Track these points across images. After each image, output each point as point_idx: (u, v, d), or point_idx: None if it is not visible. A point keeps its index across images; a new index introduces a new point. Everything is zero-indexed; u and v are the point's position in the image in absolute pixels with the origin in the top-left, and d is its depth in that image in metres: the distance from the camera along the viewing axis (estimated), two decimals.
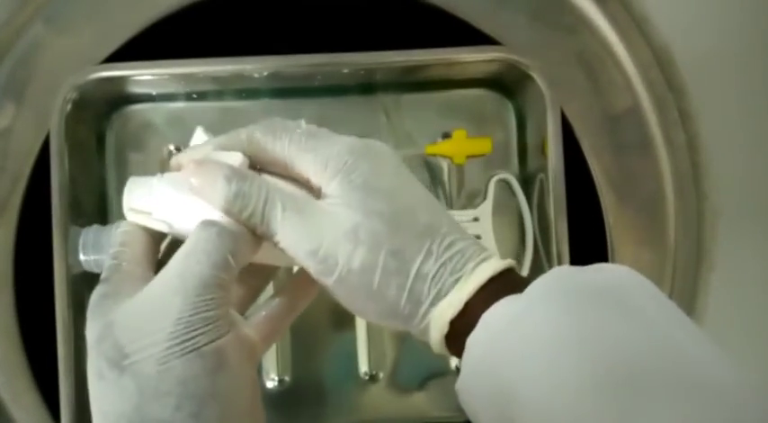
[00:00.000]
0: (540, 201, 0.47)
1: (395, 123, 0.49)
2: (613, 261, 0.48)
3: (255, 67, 0.45)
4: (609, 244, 0.49)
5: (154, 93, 0.48)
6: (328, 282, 0.30)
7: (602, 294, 0.27)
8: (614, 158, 0.49)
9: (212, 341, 0.27)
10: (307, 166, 0.31)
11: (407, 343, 0.48)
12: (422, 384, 0.47)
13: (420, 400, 0.47)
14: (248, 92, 0.48)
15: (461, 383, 0.30)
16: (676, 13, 0.50)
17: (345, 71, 0.46)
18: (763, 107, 0.51)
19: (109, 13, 0.49)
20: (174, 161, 0.35)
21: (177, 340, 0.27)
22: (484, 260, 0.30)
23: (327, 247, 0.29)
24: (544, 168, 0.45)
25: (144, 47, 0.48)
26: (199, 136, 0.47)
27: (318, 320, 0.48)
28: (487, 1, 0.50)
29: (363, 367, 0.47)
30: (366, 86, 0.48)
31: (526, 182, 0.49)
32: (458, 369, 0.47)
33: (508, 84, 0.48)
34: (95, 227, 0.44)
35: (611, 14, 0.50)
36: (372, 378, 0.47)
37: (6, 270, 0.47)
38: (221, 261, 0.28)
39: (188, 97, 0.48)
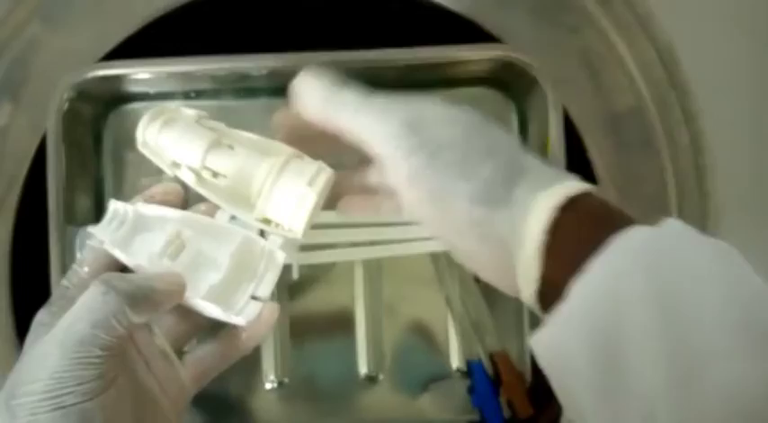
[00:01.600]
0: None
1: None
2: None
3: (254, 65, 0.45)
4: None
5: (151, 91, 0.48)
6: (414, 162, 0.30)
7: (732, 251, 0.27)
8: (617, 157, 0.49)
9: (80, 402, 0.27)
10: None
11: (407, 344, 0.48)
12: (422, 386, 0.47)
13: (420, 402, 0.47)
14: (246, 90, 0.48)
15: (562, 321, 0.27)
16: (680, 12, 0.50)
17: (346, 69, 0.46)
18: (767, 106, 0.51)
19: (106, 11, 0.49)
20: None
21: (48, 395, 0.27)
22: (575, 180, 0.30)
23: (421, 120, 0.30)
24: None
25: (141, 45, 0.48)
26: None
27: (318, 322, 0.48)
28: None
29: (363, 369, 0.47)
30: (367, 84, 0.48)
31: None
32: (462, 371, 0.47)
33: (510, 82, 0.48)
34: (92, 226, 0.44)
35: (615, 13, 0.50)
36: (372, 380, 0.47)
37: (3, 270, 0.47)
38: (103, 322, 0.28)
39: (186, 96, 0.48)
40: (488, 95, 0.49)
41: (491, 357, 0.46)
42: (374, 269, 0.47)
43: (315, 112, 0.34)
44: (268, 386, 0.47)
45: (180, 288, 0.31)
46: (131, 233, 0.32)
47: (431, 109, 0.31)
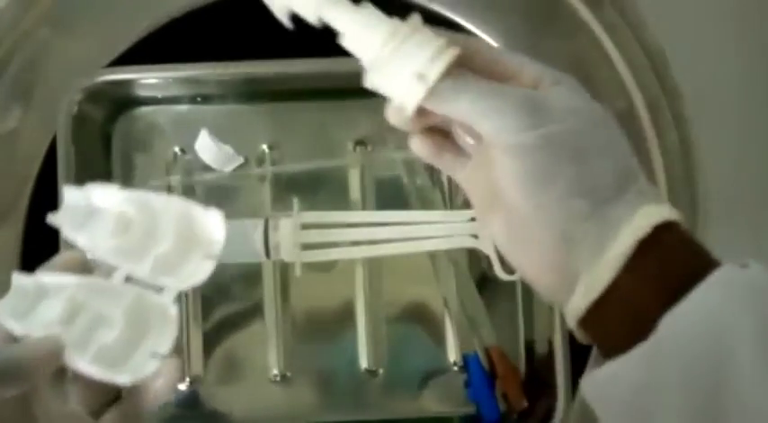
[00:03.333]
0: None
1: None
2: None
3: (260, 70, 0.46)
4: None
5: (159, 95, 0.48)
6: (525, 139, 0.28)
7: None
8: None
9: None
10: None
11: (407, 339, 0.48)
12: (422, 380, 0.48)
13: (420, 396, 0.48)
14: (253, 95, 0.49)
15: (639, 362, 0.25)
16: (670, 18, 0.50)
17: (348, 75, 0.46)
18: (756, 109, 0.51)
19: (115, 16, 0.49)
20: None
21: None
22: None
23: (543, 100, 0.29)
24: None
25: (150, 50, 0.49)
26: (204, 138, 0.48)
27: (320, 318, 0.48)
28: (483, 4, 0.50)
29: (364, 363, 0.48)
30: (367, 90, 0.49)
31: None
32: (459, 365, 0.48)
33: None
34: None
35: (606, 19, 0.50)
36: (372, 373, 0.48)
37: (13, 271, 0.47)
38: None
39: (193, 100, 0.49)
40: None
41: (486, 351, 0.47)
42: (374, 267, 0.48)
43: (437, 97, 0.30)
44: (271, 379, 0.48)
45: (54, 351, 0.30)
46: (31, 304, 0.32)
47: (555, 96, 0.29)
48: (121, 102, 0.49)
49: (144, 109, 0.49)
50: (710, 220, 0.49)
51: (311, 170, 0.49)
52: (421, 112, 0.30)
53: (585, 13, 0.50)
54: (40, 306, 0.32)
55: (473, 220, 0.48)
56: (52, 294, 0.32)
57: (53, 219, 0.34)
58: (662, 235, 0.26)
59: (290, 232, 0.43)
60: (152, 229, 0.34)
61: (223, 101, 0.49)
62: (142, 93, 0.48)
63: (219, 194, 0.49)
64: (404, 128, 0.33)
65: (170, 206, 0.35)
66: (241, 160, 0.49)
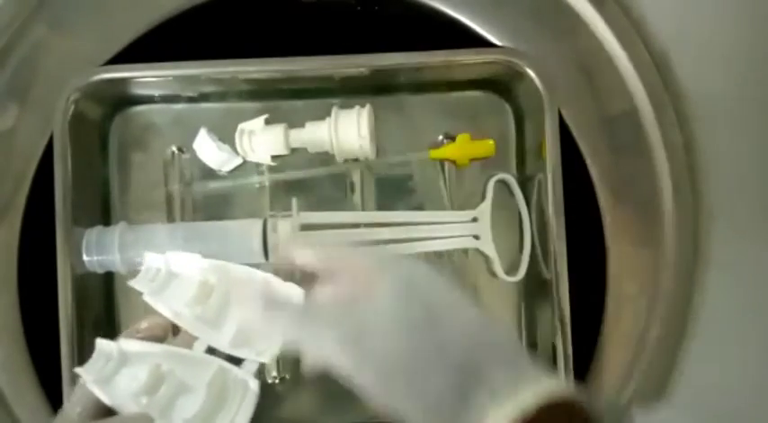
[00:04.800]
0: (539, 201, 0.47)
1: (395, 126, 0.49)
2: (609, 261, 0.49)
3: (257, 68, 0.46)
4: (606, 244, 0.49)
5: (156, 94, 0.48)
6: (362, 379, 0.29)
7: None
8: (611, 160, 0.49)
9: None
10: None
11: None
12: None
13: None
14: (250, 93, 0.48)
15: None
16: (674, 16, 0.50)
17: (345, 73, 0.46)
18: (759, 109, 0.51)
19: (111, 15, 0.49)
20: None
21: None
22: (542, 382, 0.27)
23: (362, 330, 0.29)
24: (542, 169, 0.46)
25: (146, 49, 0.48)
26: (202, 137, 0.47)
27: None
28: (486, 4, 0.50)
29: None
30: (366, 88, 0.49)
31: (524, 182, 0.49)
32: None
33: (506, 86, 0.49)
34: (98, 228, 0.45)
35: (609, 17, 0.50)
36: None
37: (10, 270, 0.47)
38: None
39: (190, 99, 0.49)
40: (485, 99, 0.50)
41: None
42: None
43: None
44: (270, 381, 0.48)
45: None
46: (115, 370, 0.33)
47: (375, 312, 0.29)
48: (119, 100, 0.49)
49: (141, 107, 0.49)
50: (713, 219, 0.49)
51: (310, 171, 0.49)
52: None
53: (589, 13, 0.50)
54: (123, 373, 0.33)
55: (475, 220, 0.48)
56: (134, 362, 0.33)
57: (134, 283, 0.36)
58: None
59: (290, 233, 0.43)
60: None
61: (221, 99, 0.49)
62: (139, 91, 0.48)
63: (218, 195, 0.48)
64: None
65: (251, 277, 0.36)
66: (240, 160, 0.48)
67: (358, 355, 0.29)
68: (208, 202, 0.49)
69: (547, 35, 0.50)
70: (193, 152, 0.48)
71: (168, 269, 0.36)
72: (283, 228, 0.43)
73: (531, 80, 0.46)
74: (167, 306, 0.35)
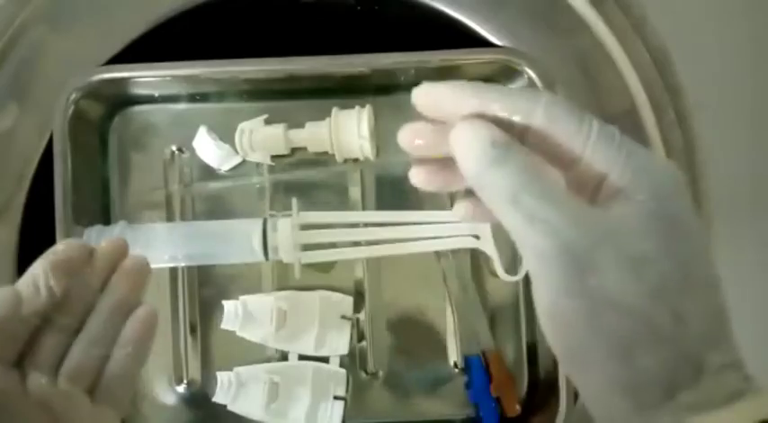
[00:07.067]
0: None
1: (395, 126, 0.49)
2: None
3: (257, 68, 0.46)
4: None
5: (156, 94, 0.48)
6: (562, 307, 0.22)
7: None
8: None
9: None
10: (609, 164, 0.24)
11: (408, 342, 0.48)
12: (422, 383, 0.48)
13: (420, 399, 0.48)
14: (250, 93, 0.48)
15: None
16: (673, 15, 0.50)
17: (345, 73, 0.46)
18: (760, 108, 0.51)
19: (111, 14, 0.49)
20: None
21: None
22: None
23: (591, 259, 0.22)
24: None
25: (146, 48, 0.48)
26: (202, 135, 0.47)
27: None
28: (486, 4, 0.50)
29: (364, 366, 0.48)
30: (366, 88, 0.49)
31: None
32: (461, 368, 0.48)
33: (507, 85, 0.49)
34: (98, 227, 0.45)
35: (609, 16, 0.50)
36: (374, 376, 0.48)
37: (9, 270, 0.47)
38: None
39: (190, 98, 0.49)
40: None
41: (483, 355, 0.47)
42: (375, 268, 0.48)
43: (469, 177, 0.25)
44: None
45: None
46: (237, 391, 0.45)
47: (620, 225, 0.22)
48: (118, 100, 0.48)
49: (141, 107, 0.49)
50: (714, 219, 0.49)
51: (310, 170, 0.49)
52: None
53: (589, 12, 0.50)
54: (244, 392, 0.45)
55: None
56: (249, 380, 0.45)
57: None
58: None
59: (290, 233, 0.43)
60: (303, 316, 0.46)
61: (221, 99, 0.49)
62: (139, 91, 0.48)
63: (218, 194, 0.48)
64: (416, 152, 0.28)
65: (314, 296, 0.46)
66: (240, 159, 0.48)
67: (572, 284, 0.22)
68: (208, 202, 0.49)
69: (546, 35, 0.50)
70: (193, 152, 0.48)
71: (246, 310, 0.46)
72: (283, 227, 0.43)
73: (531, 80, 0.46)
74: (253, 334, 0.46)
